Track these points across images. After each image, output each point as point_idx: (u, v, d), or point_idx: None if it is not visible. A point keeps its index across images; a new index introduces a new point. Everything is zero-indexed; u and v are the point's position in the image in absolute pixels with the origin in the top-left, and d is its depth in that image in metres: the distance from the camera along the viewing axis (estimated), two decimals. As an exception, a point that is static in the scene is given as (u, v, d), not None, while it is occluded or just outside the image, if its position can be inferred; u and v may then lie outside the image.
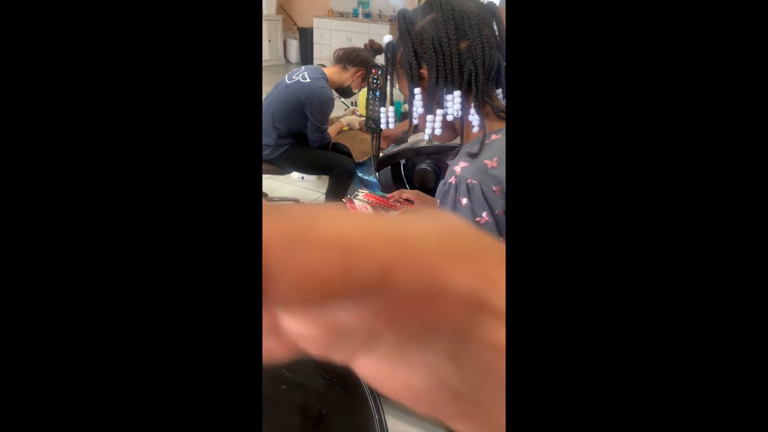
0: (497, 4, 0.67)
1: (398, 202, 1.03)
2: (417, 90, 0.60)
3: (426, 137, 0.63)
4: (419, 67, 0.60)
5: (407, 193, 1.02)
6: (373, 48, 1.60)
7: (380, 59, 1.40)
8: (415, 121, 0.64)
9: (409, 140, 1.79)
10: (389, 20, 5.35)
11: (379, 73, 0.95)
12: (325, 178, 2.17)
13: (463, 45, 0.57)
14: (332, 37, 5.20)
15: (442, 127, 0.62)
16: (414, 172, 1.17)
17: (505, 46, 0.59)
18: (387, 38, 0.67)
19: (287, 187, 2.21)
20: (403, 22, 0.61)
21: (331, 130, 1.66)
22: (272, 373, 0.41)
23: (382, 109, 0.71)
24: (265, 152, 1.56)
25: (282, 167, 1.63)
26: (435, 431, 0.71)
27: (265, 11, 5.20)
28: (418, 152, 1.11)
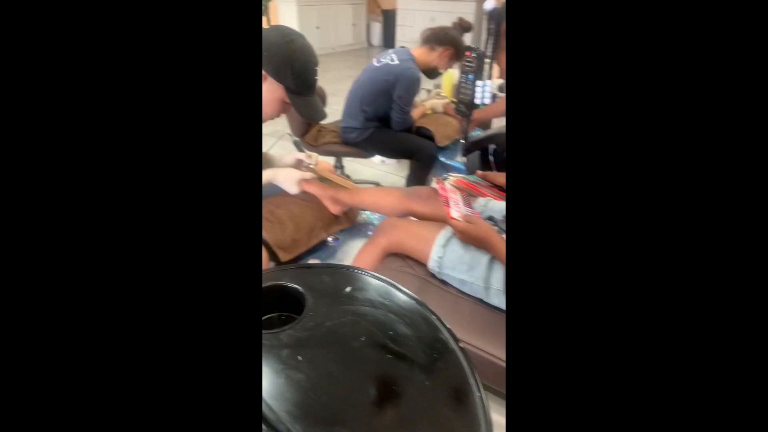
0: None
1: (488, 189, 1.01)
2: None
3: None
4: None
5: (503, 176, 1.00)
6: (462, 26, 1.55)
7: (469, 41, 1.35)
8: None
9: (493, 124, 1.72)
10: (475, -3, 5.10)
11: (474, 55, 0.92)
12: (405, 162, 2.20)
13: None
14: (415, 18, 5.13)
15: None
16: (503, 157, 1.13)
17: None
18: (489, 4, 0.62)
19: (368, 170, 2.28)
20: None
21: (414, 114, 1.66)
22: None
23: (479, 83, 0.68)
24: (352, 135, 1.62)
25: (366, 150, 1.68)
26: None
27: (351, -5, 5.29)
28: (510, 137, 1.07)
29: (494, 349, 0.68)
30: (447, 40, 1.49)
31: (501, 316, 0.74)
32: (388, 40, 5.62)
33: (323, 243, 1.09)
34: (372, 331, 0.44)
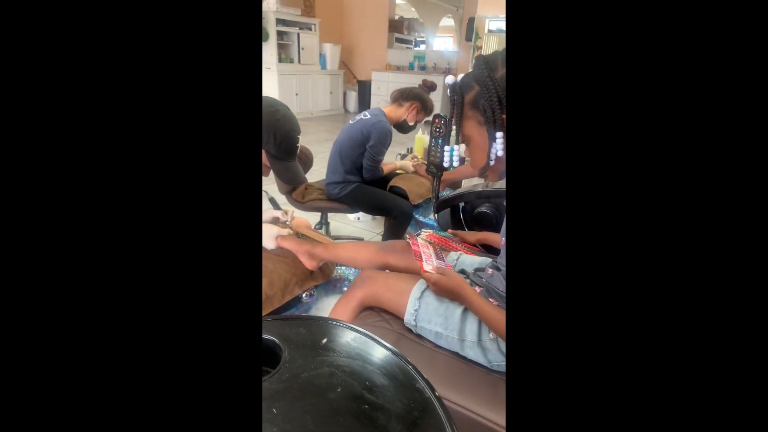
0: None
1: (459, 244, 1.05)
2: (500, 134, 0.63)
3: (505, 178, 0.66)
4: (502, 112, 0.61)
5: (473, 235, 1.05)
6: (426, 86, 1.73)
7: (436, 99, 1.47)
8: (491, 162, 0.66)
9: (463, 184, 1.83)
10: (443, 72, 5.61)
11: (442, 122, 1.02)
12: (380, 220, 2.25)
13: None
14: (389, 89, 5.55)
15: None
16: (473, 214, 1.19)
17: None
18: (449, 79, 0.68)
19: (346, 228, 2.31)
20: (484, 68, 0.62)
21: (385, 168, 1.76)
22: None
23: (446, 148, 0.74)
24: (335, 191, 1.68)
25: (349, 205, 1.74)
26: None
27: (329, 66, 5.70)
28: (478, 195, 1.14)
29: (470, 404, 0.67)
30: (412, 96, 1.67)
31: (477, 370, 0.74)
32: (363, 107, 5.99)
33: (297, 299, 1.07)
34: (349, 382, 0.44)
